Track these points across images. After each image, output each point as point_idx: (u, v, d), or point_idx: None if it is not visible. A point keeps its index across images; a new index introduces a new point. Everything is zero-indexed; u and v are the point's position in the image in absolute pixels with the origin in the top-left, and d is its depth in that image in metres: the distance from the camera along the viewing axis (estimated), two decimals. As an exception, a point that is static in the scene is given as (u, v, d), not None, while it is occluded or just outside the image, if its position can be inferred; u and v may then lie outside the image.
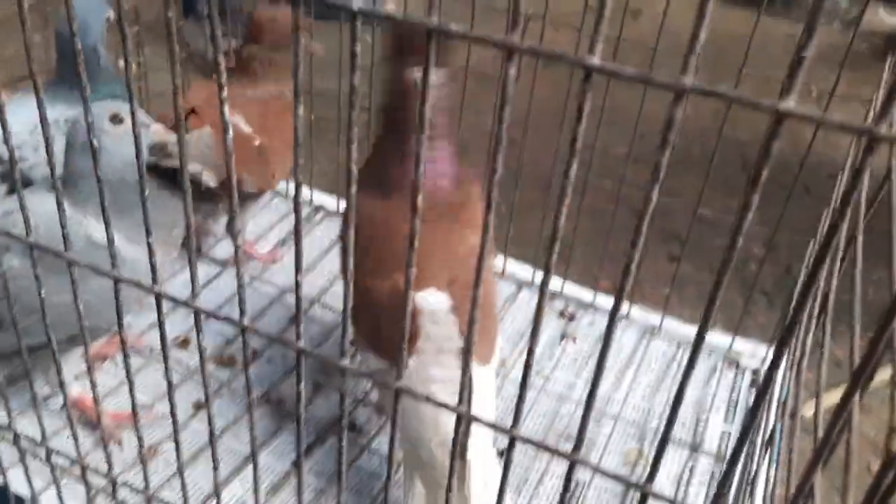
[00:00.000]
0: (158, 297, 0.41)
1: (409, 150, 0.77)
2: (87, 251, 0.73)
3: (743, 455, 0.54)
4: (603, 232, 1.08)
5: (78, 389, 0.88)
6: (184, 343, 1.02)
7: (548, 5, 0.95)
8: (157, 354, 0.98)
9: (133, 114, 0.38)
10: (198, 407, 0.94)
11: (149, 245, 0.41)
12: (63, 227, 0.45)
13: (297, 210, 0.34)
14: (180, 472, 0.53)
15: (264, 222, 1.23)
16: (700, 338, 0.30)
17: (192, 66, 1.44)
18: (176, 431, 0.50)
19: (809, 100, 2.28)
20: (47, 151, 0.42)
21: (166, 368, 0.46)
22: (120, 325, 0.46)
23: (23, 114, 0.83)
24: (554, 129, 0.93)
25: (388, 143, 0.80)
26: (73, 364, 0.88)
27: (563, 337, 1.10)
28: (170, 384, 0.47)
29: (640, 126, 0.98)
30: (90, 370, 0.53)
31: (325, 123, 1.17)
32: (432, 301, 0.76)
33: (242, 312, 0.39)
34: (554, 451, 0.35)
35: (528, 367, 0.33)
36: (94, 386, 0.54)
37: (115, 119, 0.75)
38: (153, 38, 1.18)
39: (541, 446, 0.35)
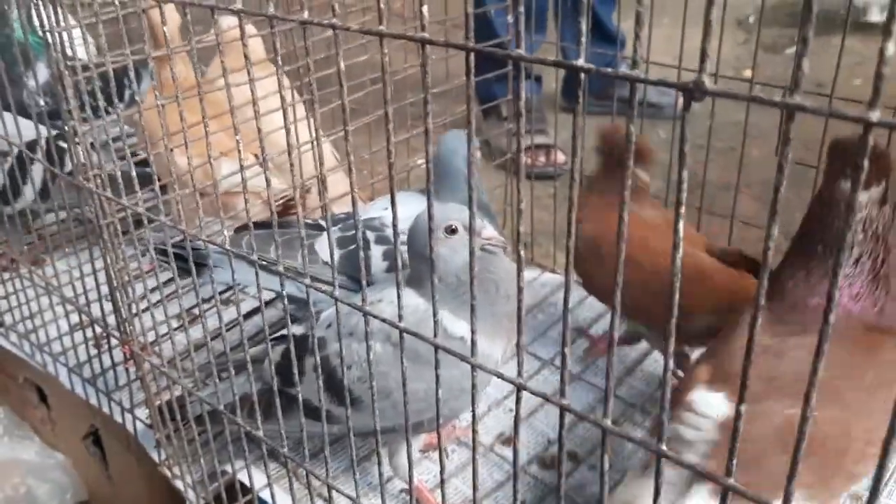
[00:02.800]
0: (520, 389, 0.43)
1: (817, 270, 0.73)
2: (443, 342, 0.80)
3: None
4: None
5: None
6: (507, 441, 1.06)
7: None
8: (485, 449, 1.03)
9: (471, 224, 0.41)
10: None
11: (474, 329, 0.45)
12: (428, 318, 0.48)
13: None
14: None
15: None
16: None
17: (493, 165, 1.57)
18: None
19: None
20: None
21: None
22: (474, 414, 0.47)
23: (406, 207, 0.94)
24: None
25: (795, 258, 0.75)
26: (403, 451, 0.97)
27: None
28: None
29: None
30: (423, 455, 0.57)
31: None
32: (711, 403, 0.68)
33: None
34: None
35: None
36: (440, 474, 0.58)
37: (448, 230, 0.78)
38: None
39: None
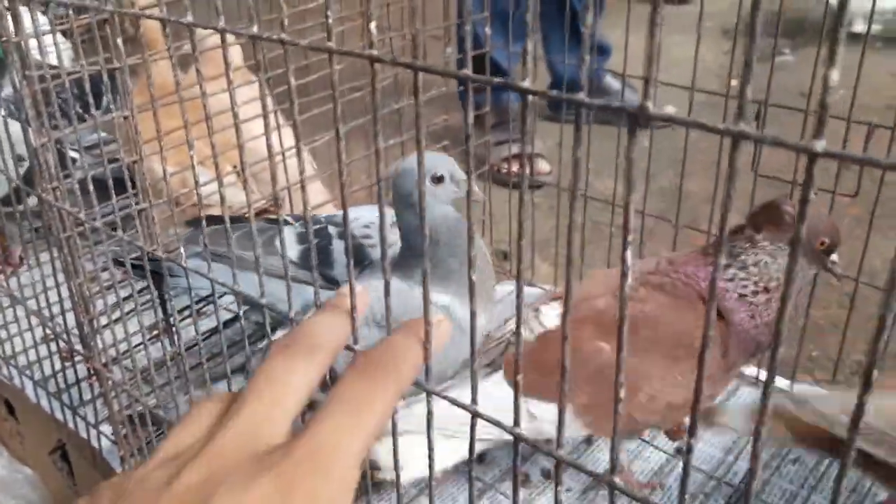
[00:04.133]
0: (474, 416, 0.42)
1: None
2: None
3: None
4: None
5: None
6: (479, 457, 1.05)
7: None
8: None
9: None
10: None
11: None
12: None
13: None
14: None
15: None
16: None
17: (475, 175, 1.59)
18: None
19: None
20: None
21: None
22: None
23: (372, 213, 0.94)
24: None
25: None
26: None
27: None
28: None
29: None
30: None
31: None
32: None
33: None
34: None
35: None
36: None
37: (435, 178, 0.81)
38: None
39: None
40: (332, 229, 0.99)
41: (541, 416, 0.75)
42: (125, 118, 0.74)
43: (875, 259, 1.03)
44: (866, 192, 0.89)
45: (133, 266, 0.71)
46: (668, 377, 0.75)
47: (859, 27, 2.77)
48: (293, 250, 1.00)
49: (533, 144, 1.34)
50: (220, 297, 1.09)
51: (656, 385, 0.75)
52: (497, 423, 0.42)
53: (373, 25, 0.37)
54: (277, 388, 0.32)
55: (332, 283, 0.98)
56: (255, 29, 0.43)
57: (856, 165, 0.32)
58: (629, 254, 0.31)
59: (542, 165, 1.93)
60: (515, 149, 1.75)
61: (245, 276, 0.62)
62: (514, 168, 1.79)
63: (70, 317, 0.86)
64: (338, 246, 0.99)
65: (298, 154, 0.46)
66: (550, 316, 0.80)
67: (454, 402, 0.45)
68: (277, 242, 0.97)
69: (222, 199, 0.54)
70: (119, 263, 0.79)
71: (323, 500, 0.28)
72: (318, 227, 1.00)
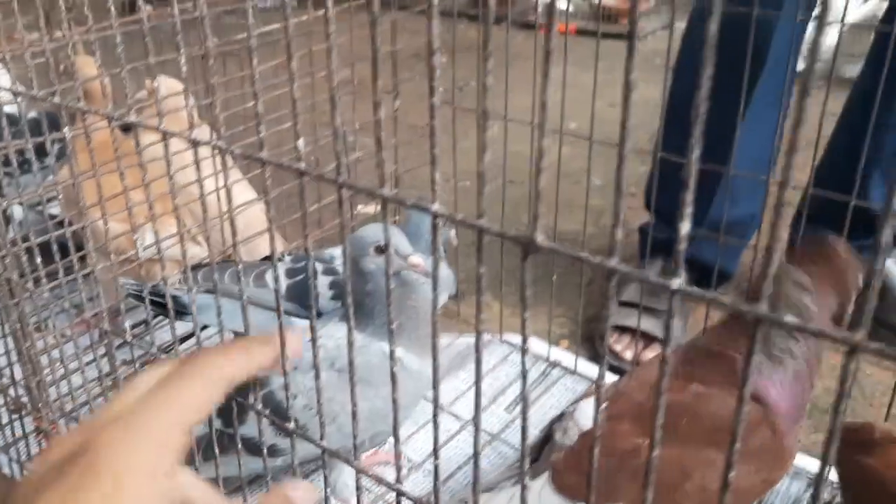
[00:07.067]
0: (399, 494, 0.45)
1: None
2: (381, 362, 0.85)
3: None
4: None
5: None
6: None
7: None
8: (415, 466, 1.07)
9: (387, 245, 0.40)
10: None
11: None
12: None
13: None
14: None
15: (502, 376, 1.27)
16: None
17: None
18: None
19: None
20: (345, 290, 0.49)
21: None
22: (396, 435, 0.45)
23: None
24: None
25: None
26: (346, 474, 0.97)
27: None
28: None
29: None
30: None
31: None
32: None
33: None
34: None
35: None
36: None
37: (377, 249, 0.85)
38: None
39: None
40: (318, 265, 1.07)
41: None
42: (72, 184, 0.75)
43: None
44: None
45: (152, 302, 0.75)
46: (714, 464, 0.72)
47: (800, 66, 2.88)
48: (281, 284, 1.07)
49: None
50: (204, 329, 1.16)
51: (704, 473, 0.72)
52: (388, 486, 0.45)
53: (301, 142, 0.41)
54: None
55: (319, 316, 1.04)
56: (193, 134, 0.46)
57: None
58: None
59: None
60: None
61: (232, 312, 0.66)
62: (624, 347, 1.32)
63: (18, 368, 0.87)
64: (322, 280, 1.06)
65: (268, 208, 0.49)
66: (589, 414, 0.79)
67: (380, 480, 0.48)
68: (267, 277, 1.06)
69: (184, 254, 0.56)
70: (138, 298, 0.88)
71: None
72: (305, 262, 1.07)
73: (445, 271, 1.16)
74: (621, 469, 0.73)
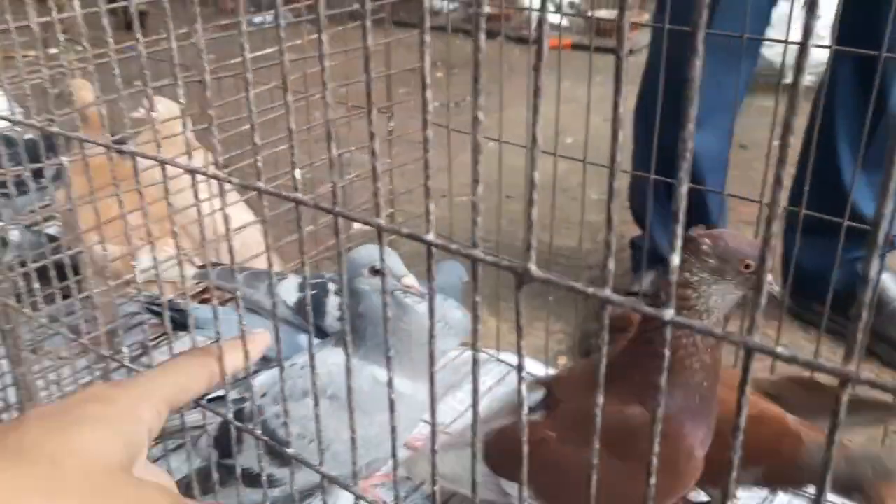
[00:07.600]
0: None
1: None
2: (373, 388, 0.84)
3: None
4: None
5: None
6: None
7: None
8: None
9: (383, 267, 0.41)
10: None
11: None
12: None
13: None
14: None
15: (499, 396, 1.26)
16: None
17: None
18: None
19: None
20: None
21: None
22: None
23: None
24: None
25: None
26: (344, 499, 0.97)
27: None
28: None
29: None
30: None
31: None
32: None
33: None
34: None
35: None
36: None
37: (372, 271, 0.84)
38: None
39: None
40: (330, 285, 1.08)
41: (514, 494, 0.81)
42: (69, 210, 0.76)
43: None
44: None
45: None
46: (612, 468, 0.73)
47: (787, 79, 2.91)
48: (292, 297, 1.08)
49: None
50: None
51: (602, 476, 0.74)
52: None
53: (297, 172, 0.41)
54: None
55: (323, 334, 1.05)
56: (192, 162, 0.46)
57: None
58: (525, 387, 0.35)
59: None
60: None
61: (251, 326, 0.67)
62: None
63: (12, 391, 0.86)
64: (332, 300, 1.06)
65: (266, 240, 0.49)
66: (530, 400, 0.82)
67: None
68: (279, 288, 1.07)
69: (183, 278, 0.56)
70: (155, 313, 0.89)
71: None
72: (319, 280, 1.08)
73: (458, 314, 1.13)
74: (530, 457, 0.75)
